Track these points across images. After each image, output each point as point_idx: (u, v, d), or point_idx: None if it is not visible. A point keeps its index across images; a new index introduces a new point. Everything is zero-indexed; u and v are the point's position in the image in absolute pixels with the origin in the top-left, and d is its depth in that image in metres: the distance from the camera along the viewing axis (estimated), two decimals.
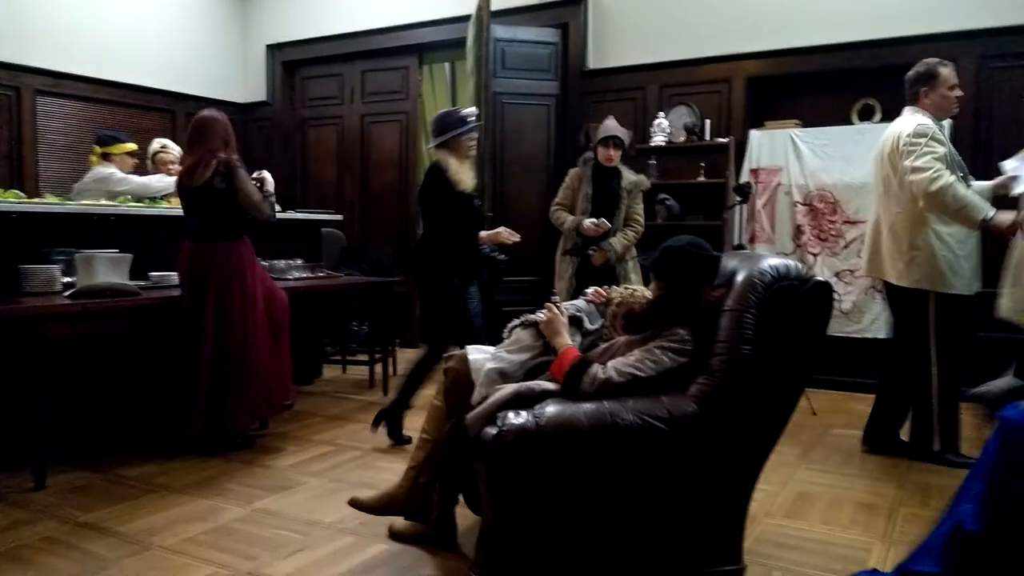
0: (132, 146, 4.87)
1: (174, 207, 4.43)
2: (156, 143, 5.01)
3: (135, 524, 2.76)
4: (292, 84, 7.32)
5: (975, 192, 3.39)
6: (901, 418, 3.69)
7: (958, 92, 3.57)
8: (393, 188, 6.89)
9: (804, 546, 2.61)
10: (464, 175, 3.71)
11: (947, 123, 3.75)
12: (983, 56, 4.68)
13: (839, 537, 2.69)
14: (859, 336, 4.94)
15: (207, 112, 3.63)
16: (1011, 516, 1.92)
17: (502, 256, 3.84)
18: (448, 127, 3.70)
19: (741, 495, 2.23)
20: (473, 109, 3.86)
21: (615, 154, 4.30)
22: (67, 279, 3.53)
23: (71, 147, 6.12)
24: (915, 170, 3.35)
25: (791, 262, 2.27)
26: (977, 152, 4.70)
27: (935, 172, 3.30)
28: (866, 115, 5.19)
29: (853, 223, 4.97)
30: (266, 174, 3.68)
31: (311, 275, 4.70)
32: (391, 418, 3.78)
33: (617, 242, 4.30)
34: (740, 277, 2.21)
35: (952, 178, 3.29)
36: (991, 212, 3.25)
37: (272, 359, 3.61)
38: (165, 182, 4.65)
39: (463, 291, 3.71)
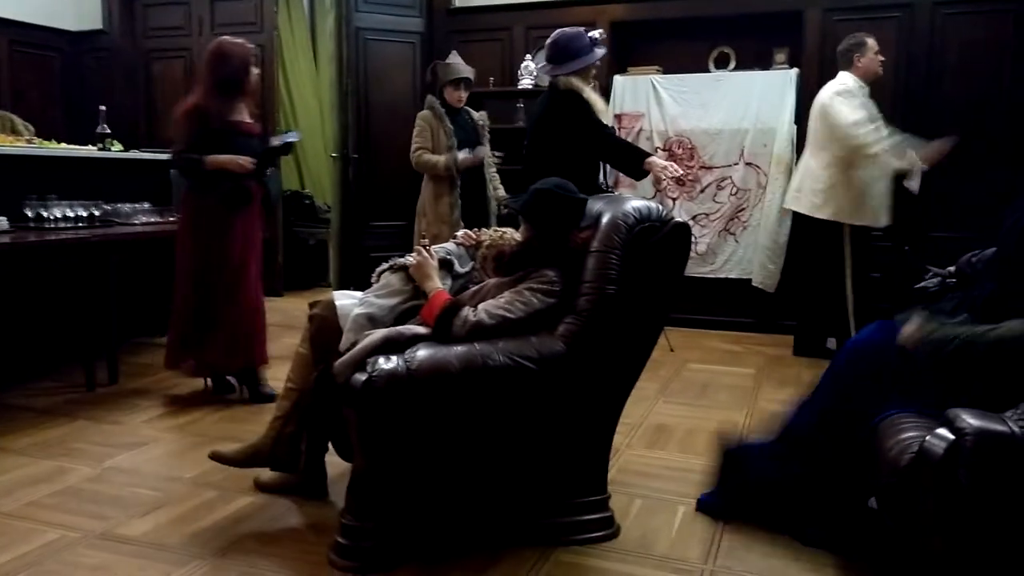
0: None
1: None
2: None
3: None
4: (132, 11, 6.70)
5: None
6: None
7: (882, 56, 4.27)
8: None
9: (663, 474, 2.77)
10: (598, 101, 3.51)
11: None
12: (828, 9, 4.94)
13: (695, 464, 2.86)
14: (713, 276, 5.21)
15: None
16: (837, 419, 2.15)
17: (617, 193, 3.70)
18: (578, 52, 3.42)
19: (606, 429, 2.32)
20: (600, 31, 3.60)
21: (464, 95, 4.27)
22: None
23: None
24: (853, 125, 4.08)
25: (653, 204, 2.34)
26: None
27: (860, 125, 4.06)
28: (722, 63, 5.38)
29: (709, 168, 5.18)
30: None
31: (160, 220, 4.40)
32: None
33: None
34: (605, 219, 2.26)
35: (870, 135, 4.04)
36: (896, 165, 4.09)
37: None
38: None
39: None
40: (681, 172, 3.76)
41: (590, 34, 3.53)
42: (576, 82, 3.47)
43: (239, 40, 3.48)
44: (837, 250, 4.26)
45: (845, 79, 4.24)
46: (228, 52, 3.37)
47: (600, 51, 3.52)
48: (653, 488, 2.63)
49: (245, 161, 3.36)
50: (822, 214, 4.26)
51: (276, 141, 3.66)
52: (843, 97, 4.15)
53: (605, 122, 3.58)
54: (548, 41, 3.55)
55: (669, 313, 2.40)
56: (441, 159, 4.22)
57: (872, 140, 4.06)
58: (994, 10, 4.68)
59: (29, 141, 4.19)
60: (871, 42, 4.25)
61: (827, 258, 4.31)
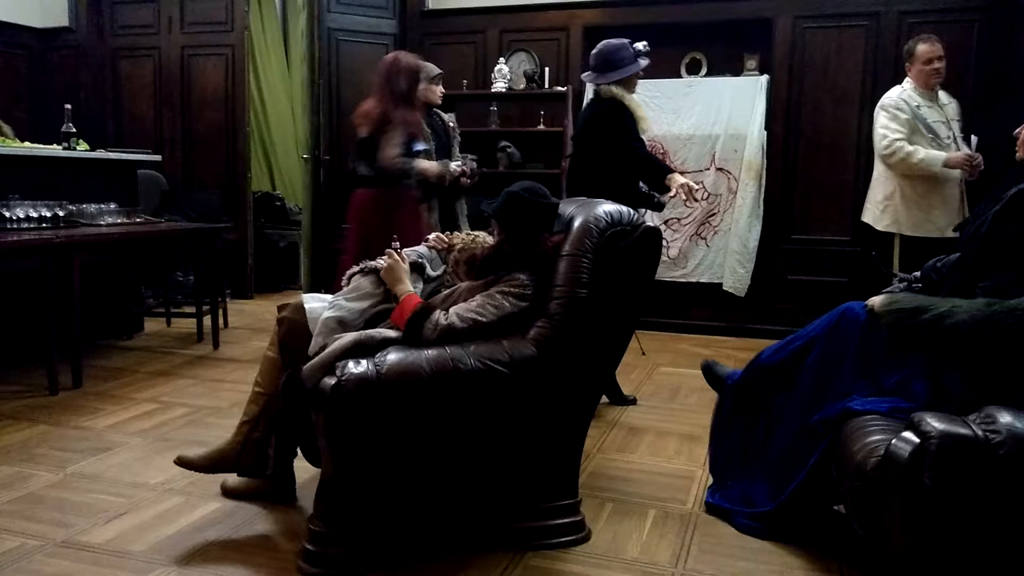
0: None
1: None
2: None
3: None
4: (99, 9, 6.60)
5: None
6: None
7: (936, 65, 3.99)
8: (220, 127, 6.42)
9: (634, 477, 2.77)
10: (639, 110, 3.50)
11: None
12: (798, 16, 5.01)
13: (665, 467, 2.87)
14: (684, 280, 5.25)
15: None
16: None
17: (662, 198, 3.66)
18: (622, 62, 3.43)
19: (577, 432, 2.32)
20: (644, 43, 3.57)
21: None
22: None
23: None
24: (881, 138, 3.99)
25: (624, 208, 2.35)
26: (789, 107, 5.06)
27: (890, 142, 3.93)
28: (693, 69, 5.42)
29: (680, 173, 5.20)
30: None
31: (127, 221, 4.33)
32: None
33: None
34: (577, 223, 2.26)
35: (906, 146, 3.91)
36: (943, 156, 3.89)
37: None
38: None
39: None
40: (697, 189, 3.76)
41: (635, 45, 3.56)
42: (618, 91, 3.50)
43: (412, 55, 3.76)
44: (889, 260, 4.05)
45: (904, 86, 4.07)
46: (398, 65, 3.60)
47: (644, 61, 3.55)
48: (624, 492, 2.63)
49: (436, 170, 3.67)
50: (880, 225, 4.12)
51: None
52: (886, 112, 4.00)
53: (646, 130, 3.59)
54: (593, 51, 3.59)
55: (641, 317, 2.41)
56: (433, 167, 4.08)
57: (904, 154, 3.90)
58: (959, 20, 4.77)
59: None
60: (921, 49, 4.00)
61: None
